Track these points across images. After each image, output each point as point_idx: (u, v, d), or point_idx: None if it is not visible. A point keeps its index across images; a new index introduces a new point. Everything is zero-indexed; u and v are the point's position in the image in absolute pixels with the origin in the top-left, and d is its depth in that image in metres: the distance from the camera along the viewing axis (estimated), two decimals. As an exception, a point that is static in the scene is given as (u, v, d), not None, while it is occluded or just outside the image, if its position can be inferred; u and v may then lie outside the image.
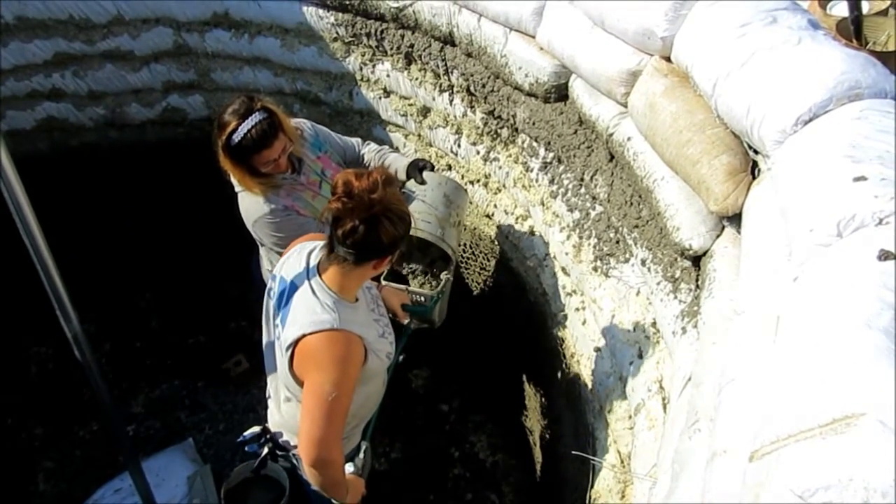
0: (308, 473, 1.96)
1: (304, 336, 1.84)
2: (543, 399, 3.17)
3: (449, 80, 3.20)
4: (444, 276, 2.78)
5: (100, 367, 2.18)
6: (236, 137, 2.28)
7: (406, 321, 2.53)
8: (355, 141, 2.83)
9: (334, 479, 1.99)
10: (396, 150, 3.21)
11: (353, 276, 1.88)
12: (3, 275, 3.70)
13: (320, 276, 1.89)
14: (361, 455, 2.26)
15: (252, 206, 2.48)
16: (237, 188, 2.49)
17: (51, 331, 2.26)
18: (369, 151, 2.81)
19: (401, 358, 2.49)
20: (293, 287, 1.93)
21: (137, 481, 2.53)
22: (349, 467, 2.19)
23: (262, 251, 2.72)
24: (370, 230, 1.76)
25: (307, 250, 1.98)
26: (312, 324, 1.84)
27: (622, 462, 2.14)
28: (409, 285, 2.82)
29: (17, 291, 3.36)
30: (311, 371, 1.85)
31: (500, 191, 3.28)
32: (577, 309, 2.72)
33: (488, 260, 3.50)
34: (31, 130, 4.04)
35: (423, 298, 2.69)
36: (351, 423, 2.15)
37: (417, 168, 2.74)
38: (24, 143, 4.01)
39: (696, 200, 1.94)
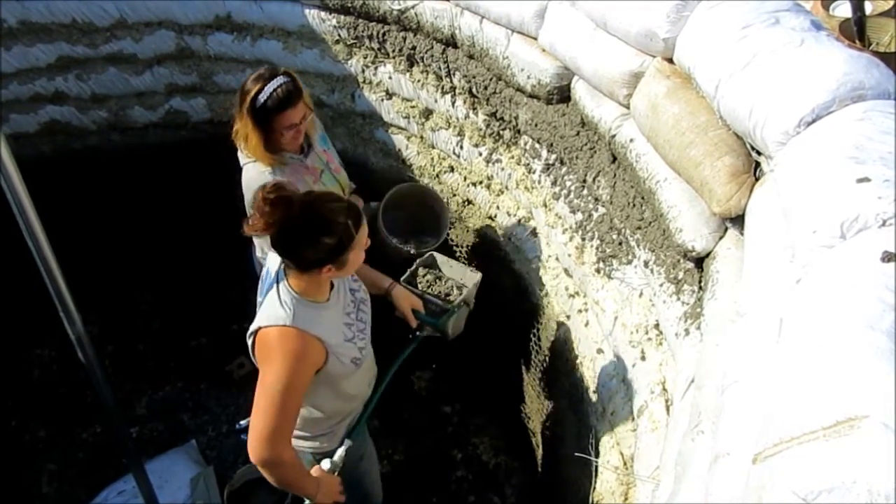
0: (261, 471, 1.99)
1: (260, 328, 1.93)
2: (546, 401, 3.17)
3: (451, 82, 3.20)
4: (465, 290, 2.68)
5: (103, 370, 2.18)
6: (262, 97, 2.35)
7: (415, 325, 2.50)
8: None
9: (285, 480, 2.02)
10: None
11: (307, 280, 1.94)
12: (7, 277, 3.70)
13: (286, 274, 1.96)
14: (342, 452, 2.23)
15: (255, 175, 2.50)
16: (244, 161, 2.51)
17: (54, 333, 2.27)
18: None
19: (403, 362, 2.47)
20: (271, 280, 2.00)
21: (141, 483, 2.53)
22: (324, 464, 2.17)
23: (255, 239, 2.74)
24: (291, 244, 1.83)
25: None
26: (268, 318, 1.92)
27: (625, 464, 2.14)
28: (427, 291, 2.72)
29: (21, 294, 3.37)
30: (262, 363, 1.94)
31: (502, 192, 3.28)
32: (580, 311, 2.72)
33: (490, 262, 3.50)
34: (34, 133, 4.05)
35: (437, 308, 2.61)
36: (333, 419, 2.20)
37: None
38: (28, 146, 4.02)
39: (699, 202, 1.94)
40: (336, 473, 2.20)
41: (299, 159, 2.58)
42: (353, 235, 1.88)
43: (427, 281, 2.75)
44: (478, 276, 2.68)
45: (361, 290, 2.23)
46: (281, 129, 2.42)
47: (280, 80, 2.38)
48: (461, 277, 2.73)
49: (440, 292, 2.71)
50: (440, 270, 2.80)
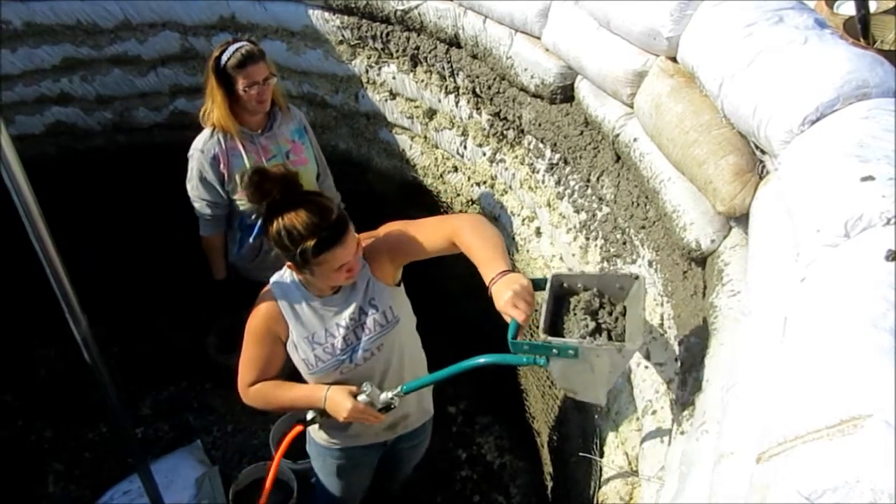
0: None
1: None
2: (551, 401, 3.16)
3: (455, 81, 3.20)
4: (598, 345, 1.68)
5: (108, 370, 2.19)
6: (225, 56, 2.59)
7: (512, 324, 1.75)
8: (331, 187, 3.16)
9: (277, 407, 2.17)
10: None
11: (293, 269, 1.96)
12: (12, 278, 3.72)
13: None
14: (389, 394, 2.09)
15: (198, 139, 2.77)
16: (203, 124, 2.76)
17: (59, 333, 2.29)
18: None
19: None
20: None
21: (146, 483, 2.54)
22: (364, 386, 2.07)
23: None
24: (270, 229, 1.83)
25: None
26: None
27: (630, 464, 2.14)
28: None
29: (26, 294, 3.38)
30: None
31: (506, 192, 3.28)
32: (584, 310, 2.71)
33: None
34: (39, 135, 4.07)
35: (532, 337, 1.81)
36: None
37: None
38: (33, 146, 4.04)
39: (703, 201, 1.93)
40: (370, 405, 2.07)
41: (251, 135, 2.76)
42: (308, 258, 1.80)
43: (583, 302, 1.81)
44: (635, 345, 1.67)
45: (373, 317, 2.07)
46: (244, 86, 2.60)
47: (242, 42, 2.62)
48: (630, 331, 1.74)
49: (579, 325, 1.76)
50: (617, 301, 1.83)
